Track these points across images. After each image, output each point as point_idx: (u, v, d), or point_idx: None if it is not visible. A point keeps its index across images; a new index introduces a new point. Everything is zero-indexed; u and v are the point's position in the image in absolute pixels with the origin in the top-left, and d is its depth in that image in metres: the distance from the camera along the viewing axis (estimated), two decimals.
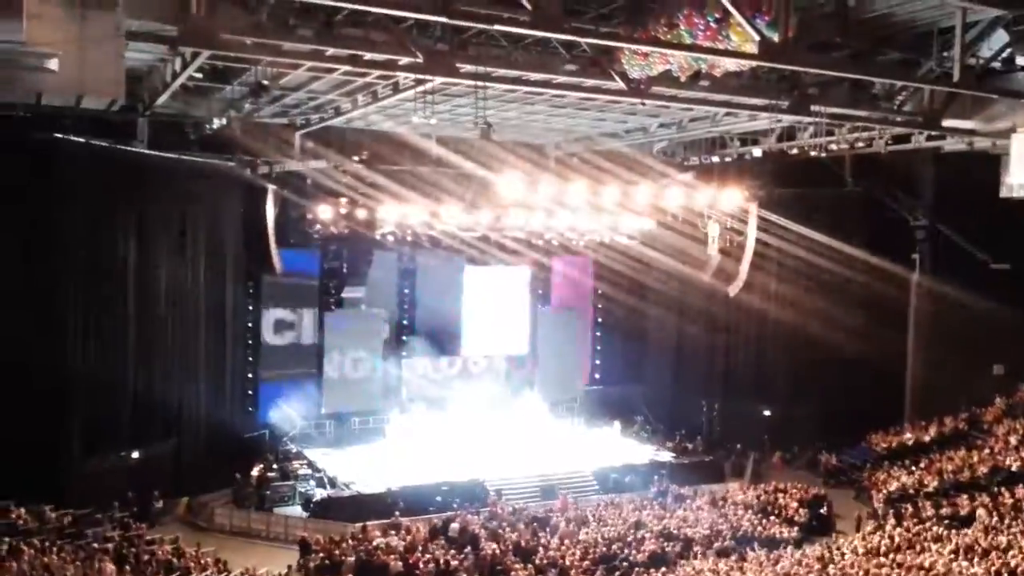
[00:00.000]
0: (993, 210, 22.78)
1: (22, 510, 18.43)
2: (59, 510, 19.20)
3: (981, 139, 20.88)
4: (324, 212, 26.62)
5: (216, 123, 23.34)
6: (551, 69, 17.41)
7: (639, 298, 33.27)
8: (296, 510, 24.03)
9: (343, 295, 29.74)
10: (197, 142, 24.27)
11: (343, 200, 26.76)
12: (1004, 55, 16.21)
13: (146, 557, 17.31)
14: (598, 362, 35.11)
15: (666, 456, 29.00)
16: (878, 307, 28.91)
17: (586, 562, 19.22)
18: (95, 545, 17.20)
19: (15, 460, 19.40)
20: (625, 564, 19.11)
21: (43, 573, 13.38)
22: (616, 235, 30.62)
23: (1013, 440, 24.74)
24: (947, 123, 19.31)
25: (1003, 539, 17.50)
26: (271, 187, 26.35)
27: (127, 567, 16.13)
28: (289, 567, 18.75)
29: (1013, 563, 15.18)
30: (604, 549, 19.95)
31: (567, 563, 19.13)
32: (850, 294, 28.76)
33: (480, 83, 17.08)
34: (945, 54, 15.80)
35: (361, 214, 26.68)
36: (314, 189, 27.32)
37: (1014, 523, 18.76)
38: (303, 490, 24.69)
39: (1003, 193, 20.54)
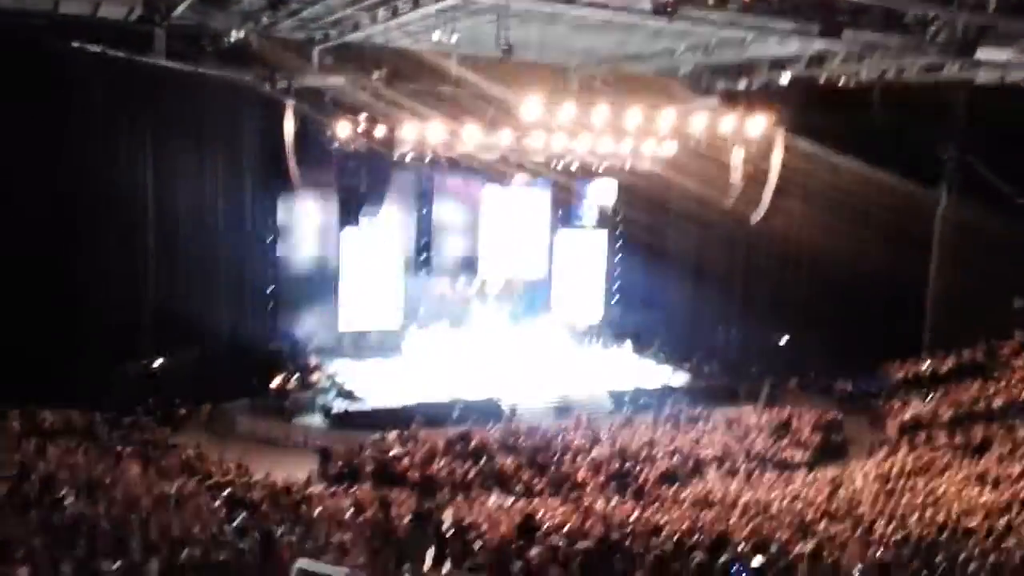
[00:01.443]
0: (1023, 144, 22.36)
1: (48, 413, 18.87)
2: (83, 413, 19.62)
3: (1015, 71, 20.38)
4: (342, 129, 26.41)
5: (234, 36, 23.13)
6: None
7: (659, 222, 33.12)
8: (316, 420, 24.53)
9: (361, 214, 29.71)
10: (214, 55, 23.99)
11: (362, 117, 26.52)
12: None
13: (169, 460, 17.76)
14: (616, 285, 35.18)
15: (681, 379, 29.25)
16: (901, 237, 28.63)
17: (599, 478, 19.59)
18: (119, 448, 17.62)
19: (42, 366, 19.83)
20: (637, 481, 19.45)
21: (69, 473, 13.75)
22: (638, 159, 30.28)
23: None
24: (980, 54, 18.77)
25: (1016, 469, 17.63)
26: (289, 102, 26.11)
27: (151, 469, 16.56)
28: (310, 474, 19.18)
29: None
30: (617, 466, 20.30)
31: (580, 479, 19.50)
32: (873, 223, 28.44)
33: (502, 1, 16.73)
34: None
35: (380, 132, 26.45)
36: (332, 106, 27.06)
37: None
38: (322, 401, 25.17)
39: None
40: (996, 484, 16.81)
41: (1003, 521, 13.67)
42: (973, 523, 13.74)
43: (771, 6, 18.17)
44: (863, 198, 27.99)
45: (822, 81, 24.84)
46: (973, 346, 27.60)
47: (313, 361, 27.61)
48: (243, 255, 27.04)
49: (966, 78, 22.84)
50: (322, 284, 29.75)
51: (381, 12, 20.94)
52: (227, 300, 26.14)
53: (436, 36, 18.94)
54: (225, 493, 14.89)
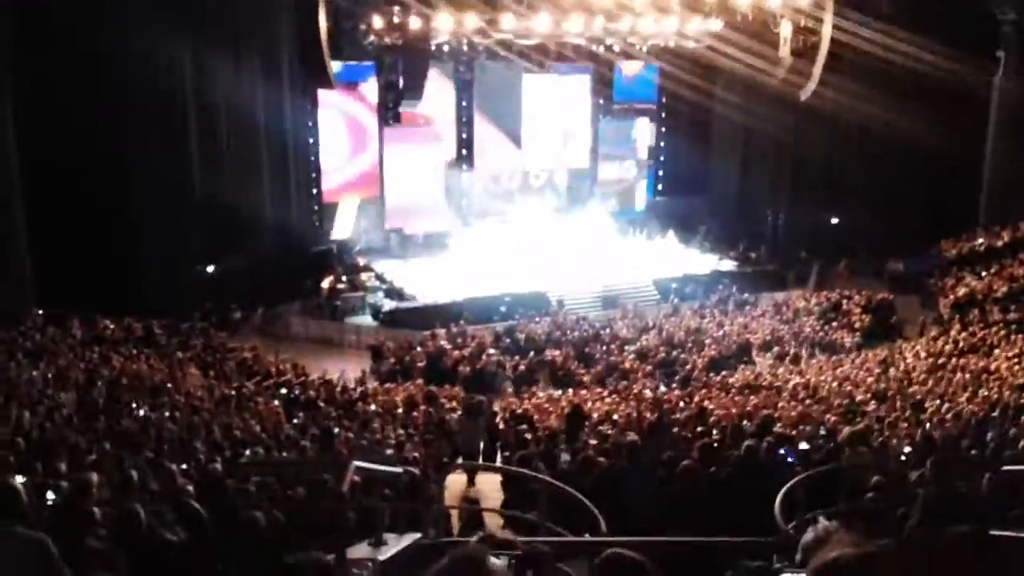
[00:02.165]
0: None
1: (108, 321, 19.44)
2: (142, 321, 20.18)
3: None
4: (377, 21, 25.88)
5: None
6: None
7: (705, 105, 32.15)
8: (366, 319, 24.96)
9: (400, 109, 29.39)
10: None
11: (396, 9, 25.91)
12: None
13: (228, 363, 18.31)
14: (661, 172, 34.60)
15: (728, 265, 29.00)
16: (957, 108, 27.41)
17: (646, 367, 19.77)
18: (179, 353, 18.16)
19: (99, 275, 20.33)
20: (685, 368, 19.59)
21: (133, 379, 14.25)
22: (682, 39, 29.20)
23: None
24: None
25: None
26: None
27: (210, 372, 17.11)
28: (363, 371, 19.66)
29: None
30: (664, 354, 20.43)
31: (628, 367, 19.70)
32: (928, 94, 27.17)
33: None
34: None
35: (415, 23, 25.87)
36: None
37: None
38: (372, 301, 25.54)
39: None
40: None
41: None
42: None
43: None
44: (916, 69, 26.70)
45: None
46: None
47: (361, 261, 27.90)
48: (285, 157, 27.02)
49: None
50: (366, 183, 29.73)
51: None
52: (273, 202, 26.28)
53: None
54: (283, 392, 15.38)
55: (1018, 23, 28.61)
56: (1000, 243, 26.36)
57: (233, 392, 14.68)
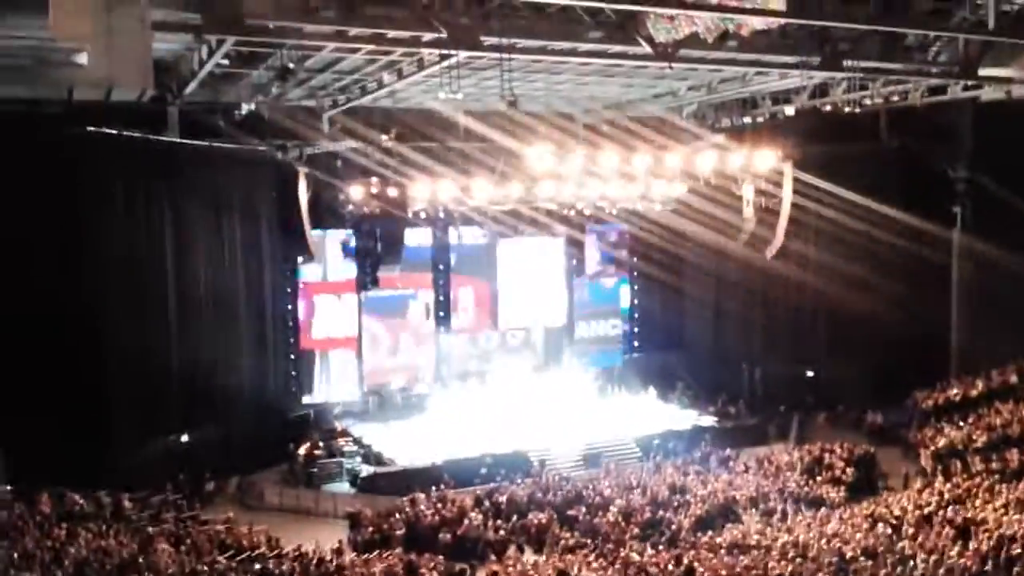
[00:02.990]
0: None
1: (77, 496, 18.88)
2: (113, 495, 19.62)
3: (1018, 87, 20.40)
4: (356, 192, 26.77)
5: (245, 108, 23.65)
6: (576, 37, 17.29)
7: (675, 265, 33.02)
8: (344, 486, 24.41)
9: (378, 274, 29.91)
10: (227, 128, 24.50)
11: (374, 179, 26.89)
12: None
13: (201, 537, 17.70)
14: (636, 330, 35.05)
15: (708, 421, 28.95)
16: (918, 263, 28.37)
17: (632, 528, 19.32)
18: (150, 528, 17.58)
19: (68, 446, 19.91)
20: (671, 529, 19.17)
21: (101, 556, 13.74)
22: (649, 202, 30.31)
23: None
24: (984, 72, 18.91)
25: None
26: (303, 169, 26.54)
27: (182, 547, 16.51)
28: (340, 542, 19.04)
29: None
30: (649, 514, 20.02)
31: (613, 530, 19.23)
32: (890, 251, 28.18)
33: (505, 55, 17.00)
34: (979, 1, 15.41)
35: (392, 192, 26.78)
36: (345, 169, 27.52)
37: None
38: (350, 466, 25.06)
39: None
40: None
41: None
42: (1017, 550, 13.42)
43: (770, 41, 18.36)
44: (877, 227, 27.81)
45: (827, 111, 24.94)
46: (1002, 368, 27.18)
47: (338, 426, 27.61)
48: (264, 324, 27.19)
49: (971, 97, 22.88)
50: (344, 347, 29.85)
51: (387, 75, 21.41)
52: (250, 370, 26.22)
53: (442, 95, 19.25)
54: (256, 567, 14.84)
55: (969, 180, 30.08)
56: (975, 393, 26.61)
57: (205, 567, 14.16)
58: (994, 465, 20.91)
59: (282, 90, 22.63)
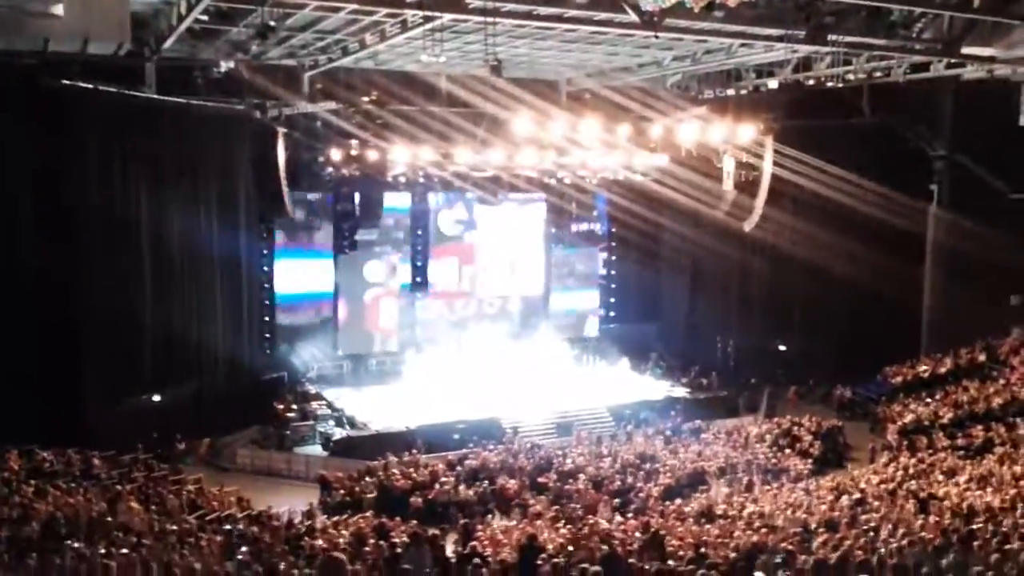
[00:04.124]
0: (1012, 139, 22.40)
1: (47, 453, 18.78)
2: (82, 453, 19.54)
3: (1001, 66, 20.46)
4: (335, 154, 26.51)
5: (224, 66, 23.25)
6: (562, 2, 17.11)
7: (653, 236, 33.13)
8: (316, 449, 24.45)
9: (356, 237, 29.76)
10: (205, 86, 24.11)
11: (354, 142, 26.62)
12: None
13: (170, 497, 17.68)
14: (613, 300, 35.17)
15: (681, 392, 29.21)
16: (894, 239, 28.62)
17: (601, 495, 19.51)
18: (120, 487, 17.52)
19: (40, 405, 19.78)
20: (640, 497, 19.38)
21: (70, 514, 13.69)
22: (630, 172, 30.31)
23: None
24: (967, 50, 18.91)
25: (1018, 469, 17.56)
26: (281, 130, 26.22)
27: (152, 507, 16.48)
28: (311, 504, 19.08)
29: None
30: (619, 483, 20.24)
31: (583, 497, 19.42)
32: (866, 227, 28.39)
33: (489, 19, 16.80)
34: None
35: (372, 156, 26.53)
36: (324, 131, 27.24)
37: None
38: (322, 430, 25.11)
39: (1022, 122, 20.17)
40: (1000, 485, 16.73)
41: (1007, 523, 13.60)
42: (977, 526, 13.65)
43: (756, 13, 18.26)
44: (855, 202, 27.96)
45: (810, 85, 24.92)
46: (971, 346, 27.59)
47: (312, 390, 27.59)
48: (239, 285, 26.98)
49: (953, 75, 22.94)
50: (320, 310, 29.77)
51: (369, 36, 21.08)
52: (224, 331, 26.04)
53: (425, 57, 19.00)
54: (227, 528, 14.84)
55: (948, 158, 30.30)
56: (943, 370, 27.03)
57: (175, 527, 14.14)
58: (959, 441, 21.27)
59: (262, 48, 22.26)
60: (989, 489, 16.27)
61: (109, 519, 13.93)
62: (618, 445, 23.55)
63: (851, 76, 23.57)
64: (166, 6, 18.91)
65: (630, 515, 17.79)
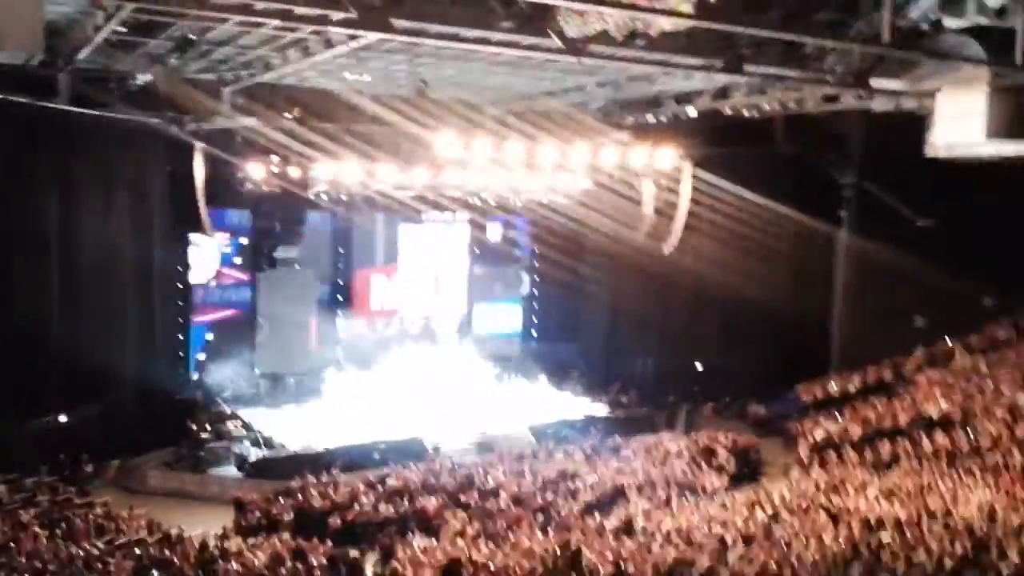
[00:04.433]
0: (918, 169, 23.42)
1: None
2: None
3: (908, 99, 21.37)
4: (255, 171, 26.13)
5: (141, 79, 22.72)
6: (488, 26, 17.21)
7: (575, 257, 33.54)
8: (231, 471, 23.90)
9: (276, 255, 29.36)
10: (121, 99, 23.50)
11: (275, 158, 26.28)
12: (932, 17, 16.53)
13: (77, 522, 17.06)
14: (535, 319, 35.45)
15: (601, 410, 29.54)
16: (806, 264, 29.73)
17: (523, 513, 19.55)
18: (23, 512, 16.85)
19: None
20: (560, 514, 19.49)
21: None
22: (553, 194, 30.68)
23: (934, 389, 25.73)
24: (875, 83, 19.66)
25: (923, 482, 18.29)
26: (199, 145, 25.69)
27: (57, 532, 15.88)
28: (225, 527, 18.64)
29: (932, 505, 15.90)
30: (540, 501, 20.32)
31: (503, 514, 19.43)
32: (780, 251, 29.41)
33: (415, 39, 16.84)
34: (875, 15, 16.07)
35: (294, 172, 26.25)
36: (244, 147, 26.78)
37: (934, 467, 19.59)
38: (238, 451, 24.55)
39: (928, 153, 21.07)
40: (907, 498, 17.39)
41: (913, 534, 14.15)
42: (886, 538, 14.17)
43: (677, 43, 18.73)
44: (768, 228, 28.93)
45: (727, 113, 25.65)
46: (878, 365, 28.63)
47: (228, 409, 26.98)
48: (151, 304, 26.30)
49: (862, 107, 23.90)
50: (237, 329, 29.16)
51: (292, 52, 20.84)
52: (136, 349, 25.34)
53: (349, 75, 18.92)
54: (137, 552, 14.41)
55: (857, 186, 31.56)
56: (853, 388, 27.95)
57: (81, 552, 13.66)
58: (868, 457, 22.00)
59: (181, 61, 21.80)
60: (896, 502, 16.88)
61: (12, 546, 13.39)
62: (539, 463, 23.66)
63: (766, 106, 24.36)
64: (82, 16, 18.41)
65: (551, 532, 17.88)
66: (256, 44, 21.06)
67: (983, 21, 16.91)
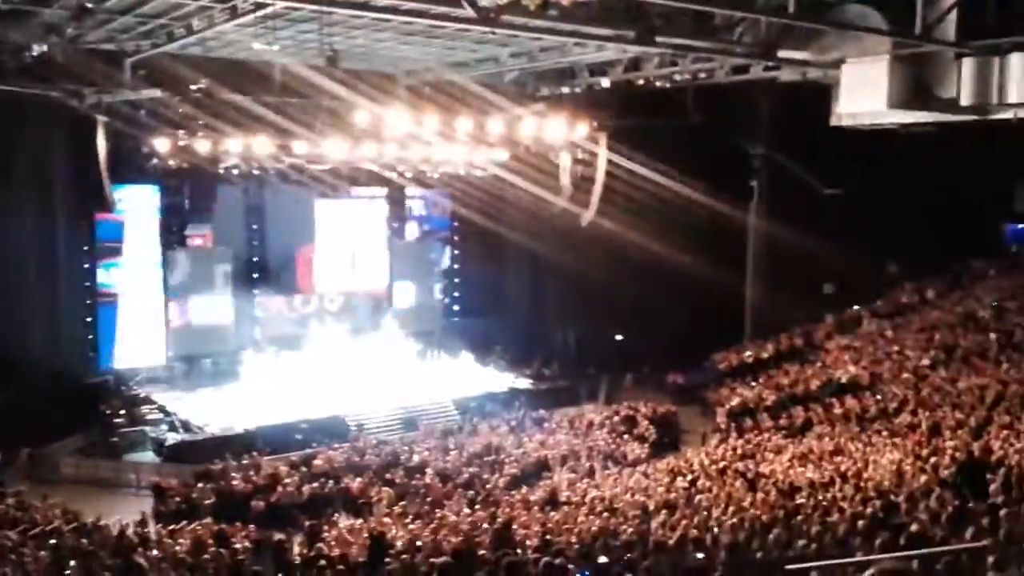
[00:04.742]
0: (824, 139, 24.04)
1: None
2: None
3: (813, 70, 21.87)
4: (162, 145, 25.19)
5: (37, 49, 21.59)
6: None
7: (495, 230, 33.48)
8: (148, 456, 23.27)
9: (186, 233, 28.50)
10: (16, 71, 22.34)
11: (182, 132, 25.39)
12: None
13: None
14: (456, 294, 35.33)
15: (524, 383, 29.72)
16: (720, 233, 30.31)
17: (449, 489, 19.58)
18: None
19: None
20: (487, 488, 19.58)
21: None
22: (471, 167, 30.49)
23: (843, 355, 26.66)
24: (782, 54, 20.07)
25: (835, 445, 18.92)
26: (101, 118, 24.62)
27: None
28: (144, 513, 18.12)
29: (843, 467, 16.45)
30: (466, 475, 20.36)
31: (430, 490, 19.42)
32: (694, 222, 29.90)
33: (324, 8, 16.41)
34: None
35: (202, 147, 25.39)
36: (150, 120, 25.80)
37: (845, 430, 20.30)
38: (154, 435, 23.90)
39: (833, 122, 21.62)
40: (819, 460, 17.98)
41: (827, 496, 14.64)
42: (801, 500, 14.63)
43: (589, 13, 18.71)
44: (683, 198, 29.36)
45: (640, 85, 25.84)
46: (790, 332, 29.49)
47: (141, 393, 26.20)
48: (57, 285, 25.27)
49: (770, 77, 24.38)
50: (149, 310, 28.26)
51: (196, 21, 20.09)
52: (42, 335, 24.37)
53: (257, 45, 18.35)
54: (52, 542, 13.88)
55: (766, 156, 32.27)
56: (766, 355, 28.75)
57: None
58: (782, 422, 22.68)
59: (79, 31, 20.81)
60: (810, 466, 17.44)
61: None
62: (464, 438, 23.70)
63: (677, 77, 24.63)
64: None
65: (478, 507, 17.95)
66: (157, 12, 20.23)
67: None
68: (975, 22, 17.23)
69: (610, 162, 29.20)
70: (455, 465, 21.02)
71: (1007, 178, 32.22)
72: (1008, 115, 18.98)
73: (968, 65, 18.52)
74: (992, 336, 24.13)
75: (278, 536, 13.86)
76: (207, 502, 18.99)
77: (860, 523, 11.51)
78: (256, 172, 27.59)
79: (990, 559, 8.60)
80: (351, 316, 32.41)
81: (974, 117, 19.44)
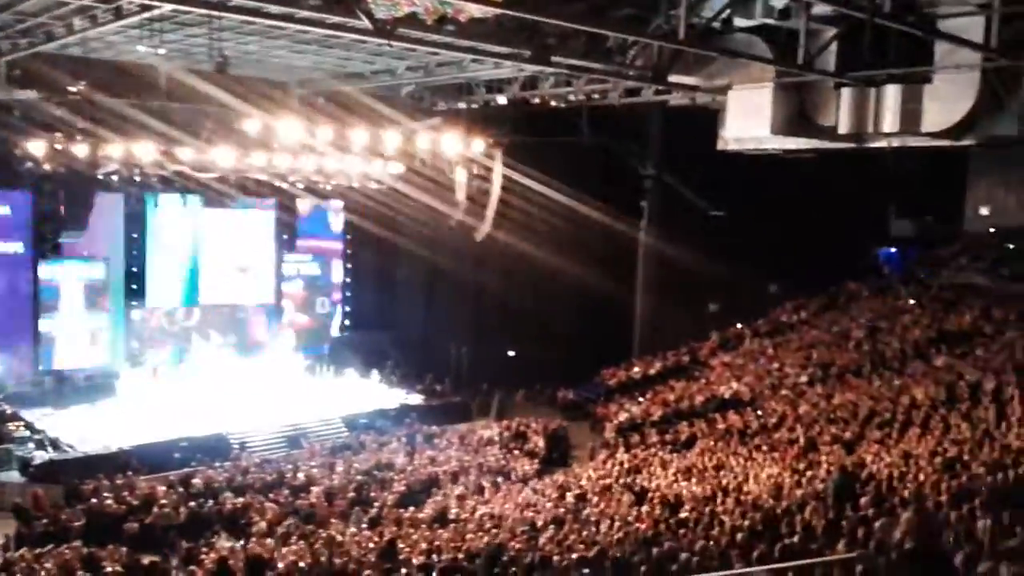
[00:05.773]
0: (712, 161, 24.80)
1: None
2: None
3: (702, 95, 22.59)
4: (36, 147, 23.97)
5: None
6: (293, 2, 16.59)
7: (389, 243, 33.18)
8: (13, 475, 21.89)
9: (61, 240, 27.14)
10: None
11: (58, 135, 24.21)
12: (724, 16, 17.52)
13: None
14: (348, 308, 34.76)
15: (416, 399, 29.42)
16: (610, 252, 30.90)
17: (335, 508, 19.13)
18: None
19: None
20: (375, 506, 19.21)
21: None
22: (365, 179, 30.13)
23: (726, 371, 27.42)
24: (672, 78, 20.63)
25: (718, 460, 19.39)
26: None
27: None
28: (7, 536, 17.03)
29: (725, 481, 16.85)
30: (354, 493, 19.95)
31: (316, 511, 18.93)
32: (586, 241, 30.41)
33: (214, 12, 15.96)
34: (672, 12, 16.80)
35: (80, 151, 24.27)
36: (23, 122, 24.52)
37: (727, 445, 20.83)
38: (20, 454, 22.49)
39: (720, 146, 22.37)
40: (702, 475, 18.38)
41: (708, 510, 14.95)
42: (684, 514, 14.90)
43: (486, 29, 18.80)
44: (576, 217, 29.78)
45: (536, 103, 26.11)
46: (676, 349, 30.19)
47: (8, 410, 24.67)
48: None
49: (661, 101, 25.03)
50: (16, 322, 26.70)
51: (78, 21, 19.22)
52: None
53: (142, 48, 17.68)
54: None
55: (656, 177, 33.10)
56: (653, 371, 29.33)
57: None
58: (667, 437, 23.11)
59: None
60: (694, 480, 17.80)
61: None
62: (352, 455, 23.24)
63: (572, 97, 25.01)
64: None
65: (364, 525, 17.59)
66: (36, 10, 19.29)
67: (770, 21, 18.18)
68: (854, 55, 18.15)
69: (506, 178, 29.38)
70: (342, 483, 20.55)
71: (882, 203, 33.97)
72: (882, 143, 20.07)
73: (846, 95, 19.51)
74: (865, 354, 25.28)
75: (150, 559, 13.23)
76: (76, 524, 17.97)
77: (740, 536, 11.77)
78: (137, 178, 26.53)
79: (858, 568, 8.92)
80: (236, 330, 31.41)
81: (852, 145, 20.48)
